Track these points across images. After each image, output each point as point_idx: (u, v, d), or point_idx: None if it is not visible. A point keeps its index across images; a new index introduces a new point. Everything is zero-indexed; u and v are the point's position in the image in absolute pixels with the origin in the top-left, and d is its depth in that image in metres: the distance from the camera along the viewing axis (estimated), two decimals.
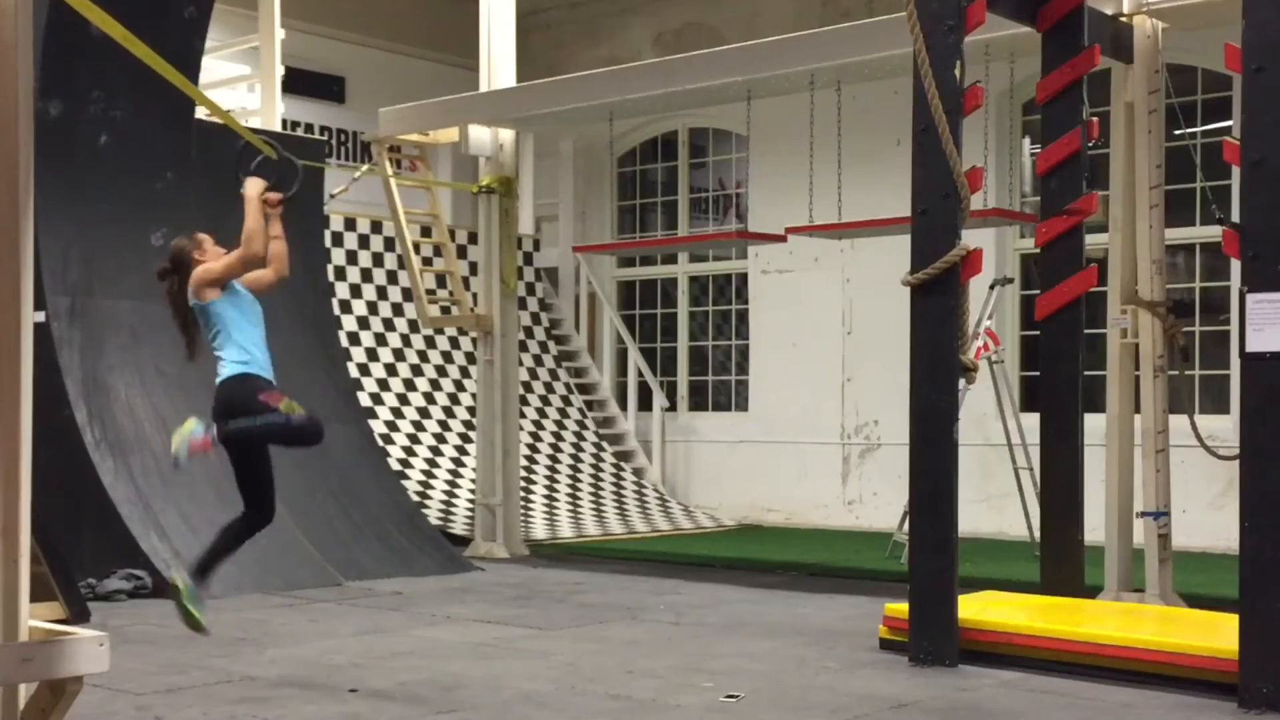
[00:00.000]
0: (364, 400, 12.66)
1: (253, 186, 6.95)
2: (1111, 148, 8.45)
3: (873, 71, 9.64)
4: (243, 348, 6.59)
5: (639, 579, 9.97)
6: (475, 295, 11.95)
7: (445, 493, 13.02)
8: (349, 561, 9.78)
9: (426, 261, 12.73)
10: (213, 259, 6.52)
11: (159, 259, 6.86)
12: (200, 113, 10.64)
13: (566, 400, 15.02)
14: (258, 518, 6.75)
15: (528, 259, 15.25)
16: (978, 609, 6.90)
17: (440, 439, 13.62)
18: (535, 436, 14.25)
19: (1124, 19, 8.19)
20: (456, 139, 11.60)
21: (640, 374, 15.23)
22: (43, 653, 3.59)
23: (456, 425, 13.84)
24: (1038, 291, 8.14)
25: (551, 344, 15.37)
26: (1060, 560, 7.80)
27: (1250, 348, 5.63)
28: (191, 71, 9.90)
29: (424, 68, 15.63)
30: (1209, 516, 10.94)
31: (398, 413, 13.45)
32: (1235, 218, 6.55)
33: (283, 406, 6.61)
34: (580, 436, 14.77)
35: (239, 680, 6.21)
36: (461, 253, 13.47)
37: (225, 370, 6.51)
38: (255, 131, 11.87)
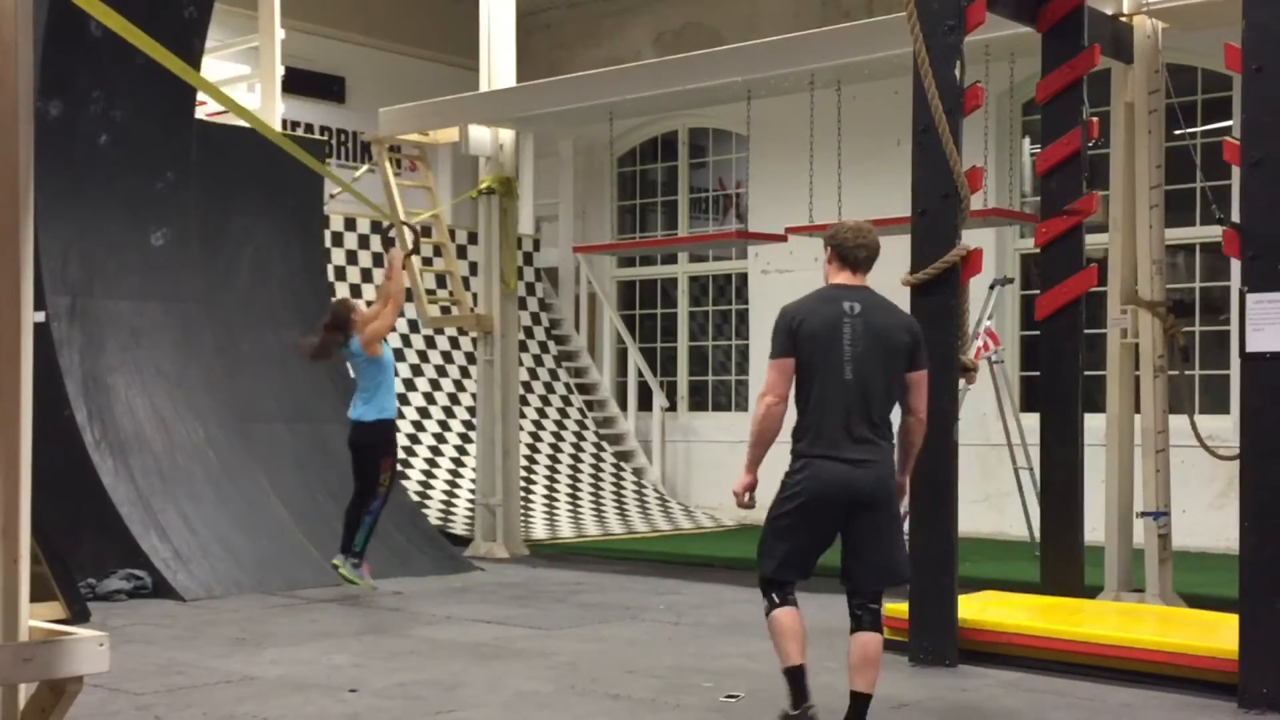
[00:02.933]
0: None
1: (398, 254, 9.24)
2: (1111, 148, 8.45)
3: (873, 71, 9.64)
4: (393, 392, 8.89)
5: (639, 579, 9.97)
6: (475, 295, 11.94)
7: (445, 493, 13.02)
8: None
9: (426, 261, 12.73)
10: (363, 319, 8.71)
11: (316, 326, 9.14)
12: (200, 113, 10.67)
13: (566, 400, 15.02)
14: (365, 494, 8.82)
15: (528, 259, 15.24)
16: (978, 609, 6.90)
17: (440, 439, 13.62)
18: (535, 436, 14.25)
19: (1124, 19, 8.19)
20: (456, 139, 11.59)
21: (640, 374, 15.23)
22: (43, 653, 3.59)
23: (456, 425, 13.84)
24: (1038, 291, 8.14)
25: (551, 344, 15.37)
26: (1060, 560, 7.80)
27: (1250, 348, 5.63)
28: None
29: (424, 68, 15.63)
30: (1209, 516, 10.94)
31: (398, 413, 13.44)
32: (1235, 218, 6.55)
33: (383, 479, 8.87)
34: (580, 436, 14.77)
35: (239, 680, 6.21)
36: (461, 253, 13.46)
37: (391, 409, 8.87)
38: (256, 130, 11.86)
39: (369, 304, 9.48)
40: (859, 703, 5.08)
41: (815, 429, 5.09)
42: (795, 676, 5.03)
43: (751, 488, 5.22)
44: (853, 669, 5.09)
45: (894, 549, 5.16)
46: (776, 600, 5.10)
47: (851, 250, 5.29)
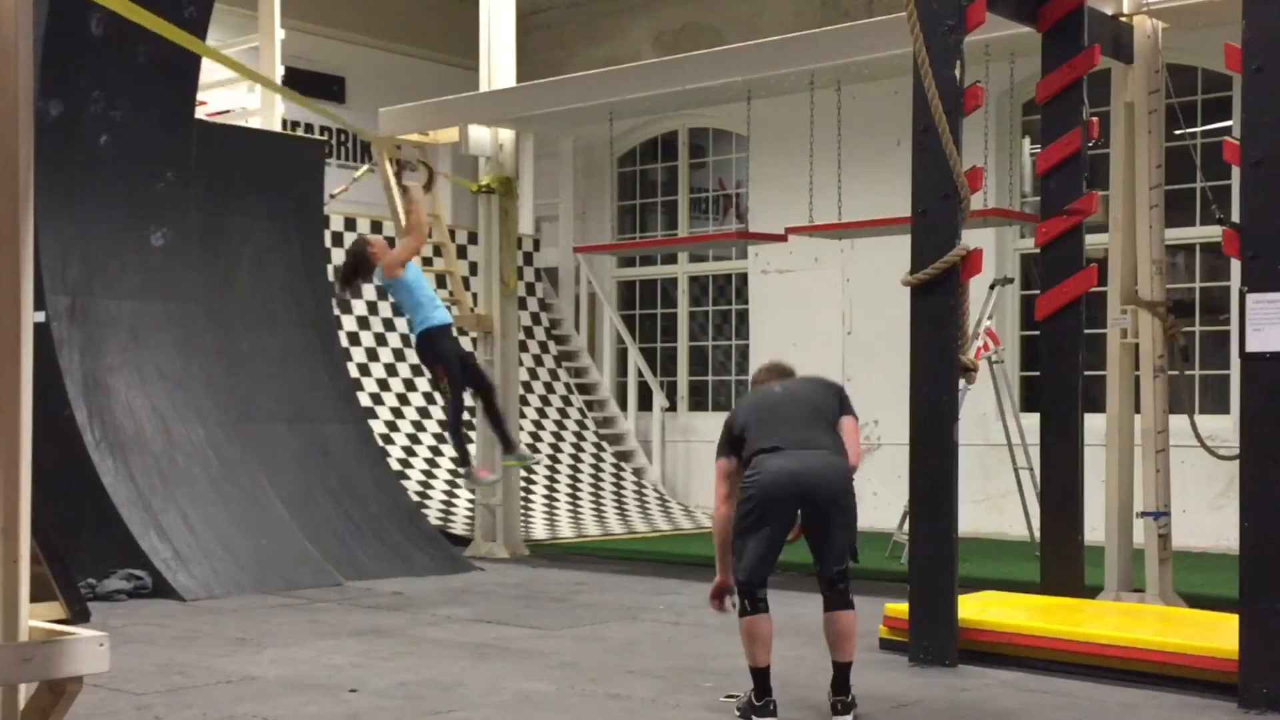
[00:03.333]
0: (364, 400, 12.66)
1: (417, 189, 9.55)
2: (1111, 148, 8.44)
3: (873, 71, 9.64)
4: (434, 302, 9.02)
5: (639, 579, 9.97)
6: (475, 295, 11.94)
7: (445, 493, 13.02)
8: (349, 561, 9.78)
9: (426, 261, 12.72)
10: (383, 251, 8.98)
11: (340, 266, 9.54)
12: (200, 113, 10.67)
13: (566, 400, 15.02)
14: (482, 386, 9.35)
15: (528, 259, 15.24)
16: (978, 609, 6.90)
17: (440, 439, 13.61)
18: (535, 436, 14.25)
19: (1124, 19, 8.19)
20: (456, 139, 11.59)
21: (640, 374, 15.23)
22: (43, 653, 3.59)
23: None
24: (1038, 291, 8.13)
25: (551, 344, 15.37)
26: (1060, 560, 7.80)
27: (1250, 348, 5.63)
28: (192, 72, 9.91)
29: (424, 68, 15.63)
30: (1209, 516, 10.94)
31: (398, 413, 13.45)
32: (1235, 218, 6.55)
33: (441, 386, 9.27)
34: (580, 436, 14.77)
35: (239, 680, 6.21)
36: (461, 253, 13.45)
37: (433, 319, 8.91)
38: (256, 130, 11.85)
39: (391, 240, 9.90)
40: (841, 669, 5.55)
41: (759, 445, 5.51)
42: (761, 675, 5.51)
43: (727, 589, 5.70)
44: (831, 644, 5.61)
45: (840, 540, 5.62)
46: (749, 607, 5.52)
47: (769, 375, 6.01)
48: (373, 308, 13.78)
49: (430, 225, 9.90)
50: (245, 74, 5.66)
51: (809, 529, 5.56)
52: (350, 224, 13.74)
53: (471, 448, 10.36)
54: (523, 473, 12.75)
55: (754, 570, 5.48)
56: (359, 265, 9.09)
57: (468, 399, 9.52)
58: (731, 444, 5.65)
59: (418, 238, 9.16)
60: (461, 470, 9.42)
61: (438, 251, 12.71)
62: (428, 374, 9.62)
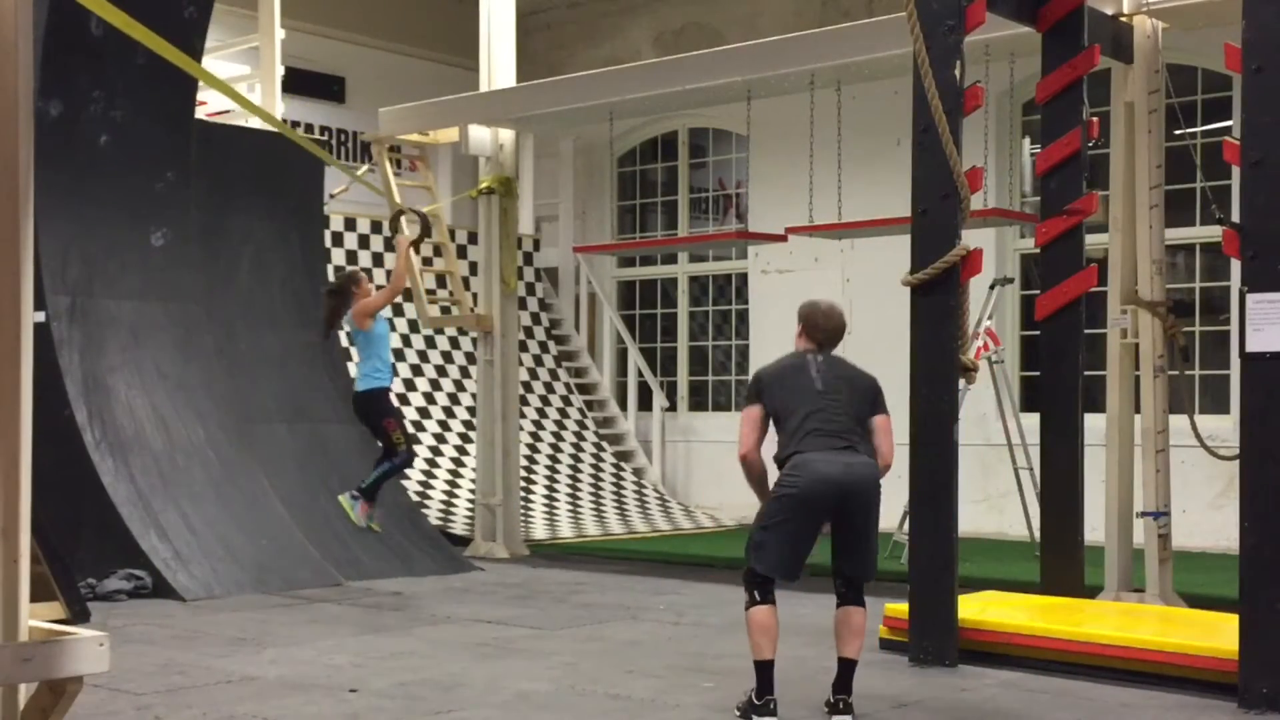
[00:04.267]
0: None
1: (405, 241, 9.74)
2: (1111, 148, 8.44)
3: (873, 71, 9.64)
4: (387, 363, 9.20)
5: (639, 579, 9.97)
6: (475, 295, 11.94)
7: (445, 493, 13.02)
8: (349, 561, 9.78)
9: (426, 261, 12.73)
10: (364, 295, 9.07)
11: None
12: (200, 113, 10.67)
13: (566, 400, 15.02)
14: (387, 453, 9.21)
15: (528, 259, 15.24)
16: (978, 609, 6.90)
17: (440, 439, 13.62)
18: (535, 436, 14.25)
19: (1124, 19, 8.19)
20: (456, 139, 11.59)
21: (640, 374, 15.22)
22: (43, 653, 3.59)
23: (456, 425, 13.84)
24: (1038, 291, 8.14)
25: (551, 344, 15.37)
26: (1060, 560, 7.80)
27: (1250, 348, 5.63)
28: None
29: (424, 68, 15.63)
30: (1209, 516, 10.94)
31: (390, 382, 13.40)
32: (1235, 218, 6.55)
33: (394, 437, 9.18)
34: (580, 436, 14.77)
35: (239, 680, 6.21)
36: (461, 253, 13.46)
37: (376, 380, 9.09)
38: (257, 130, 11.87)
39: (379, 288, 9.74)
40: (846, 666, 5.54)
41: (797, 445, 5.50)
42: (765, 669, 5.44)
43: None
44: (840, 639, 5.58)
45: (874, 542, 5.60)
46: (758, 597, 5.47)
47: (818, 332, 5.84)
48: None
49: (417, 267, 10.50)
50: (244, 104, 5.70)
51: (838, 530, 5.55)
52: (350, 224, 13.75)
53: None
54: (522, 473, 12.76)
55: (772, 566, 5.47)
56: (340, 296, 9.24)
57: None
58: (760, 398, 5.68)
59: (392, 291, 9.29)
60: (353, 495, 9.10)
61: (438, 251, 12.72)
62: (366, 428, 9.48)
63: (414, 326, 13.85)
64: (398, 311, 13.92)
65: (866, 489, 5.46)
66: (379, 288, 9.64)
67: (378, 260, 13.95)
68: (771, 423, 5.66)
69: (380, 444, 9.30)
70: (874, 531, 5.58)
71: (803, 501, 5.41)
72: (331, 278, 11.26)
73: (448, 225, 12.81)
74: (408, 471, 12.82)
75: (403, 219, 10.22)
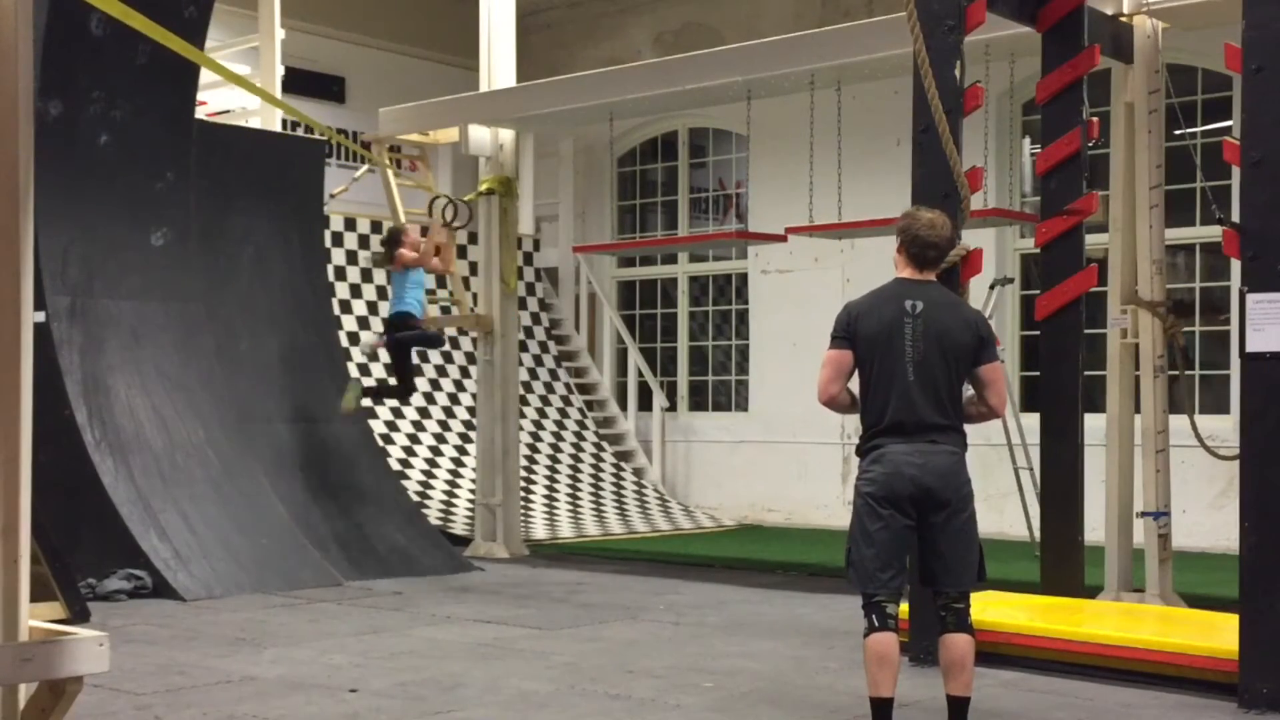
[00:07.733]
0: (364, 401, 12.65)
1: (445, 230, 11.19)
2: (1111, 148, 8.45)
3: (873, 71, 9.64)
4: (415, 299, 10.64)
5: (639, 579, 9.96)
6: (475, 295, 11.94)
7: (445, 493, 13.02)
8: (349, 561, 9.78)
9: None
10: (410, 245, 10.60)
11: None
12: (200, 113, 10.66)
13: (566, 400, 15.02)
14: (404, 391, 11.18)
15: (528, 259, 15.24)
16: (978, 609, 6.86)
17: (440, 439, 13.62)
18: (535, 436, 14.25)
19: (1124, 19, 8.19)
20: (456, 139, 11.59)
21: (640, 374, 15.23)
22: (43, 653, 3.59)
23: (456, 425, 13.84)
24: (1038, 291, 8.13)
25: (551, 344, 15.37)
26: (1060, 560, 7.80)
27: (1250, 348, 5.63)
28: (192, 72, 9.91)
29: (424, 68, 15.63)
30: (1209, 516, 10.94)
31: (398, 413, 13.45)
32: (1235, 218, 6.55)
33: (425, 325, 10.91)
34: (580, 436, 14.77)
35: (239, 680, 6.21)
36: (461, 253, 13.46)
37: (400, 307, 10.57)
38: (257, 130, 11.86)
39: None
40: (959, 706, 5.05)
41: (880, 432, 5.04)
42: (880, 710, 4.95)
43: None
44: (945, 673, 5.09)
45: (970, 548, 5.14)
46: (876, 623, 4.99)
47: (921, 250, 5.18)
48: (373, 308, 13.78)
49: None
50: (245, 86, 5.67)
51: (924, 535, 5.04)
52: (350, 224, 13.75)
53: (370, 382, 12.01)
54: (522, 473, 12.77)
55: (871, 578, 4.96)
56: (394, 244, 10.61)
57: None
58: (852, 343, 5.10)
59: (429, 264, 10.82)
60: (378, 338, 10.92)
61: (438, 251, 12.70)
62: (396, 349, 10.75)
63: None
64: None
65: (945, 484, 4.95)
66: (424, 235, 10.85)
67: (378, 260, 13.96)
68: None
69: (397, 380, 10.88)
70: (963, 531, 5.07)
71: (884, 500, 4.94)
72: (331, 277, 11.44)
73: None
74: (408, 471, 12.86)
75: (441, 205, 11.23)
